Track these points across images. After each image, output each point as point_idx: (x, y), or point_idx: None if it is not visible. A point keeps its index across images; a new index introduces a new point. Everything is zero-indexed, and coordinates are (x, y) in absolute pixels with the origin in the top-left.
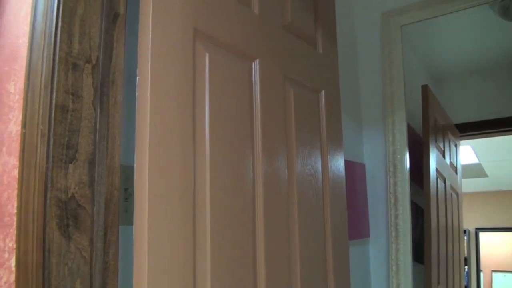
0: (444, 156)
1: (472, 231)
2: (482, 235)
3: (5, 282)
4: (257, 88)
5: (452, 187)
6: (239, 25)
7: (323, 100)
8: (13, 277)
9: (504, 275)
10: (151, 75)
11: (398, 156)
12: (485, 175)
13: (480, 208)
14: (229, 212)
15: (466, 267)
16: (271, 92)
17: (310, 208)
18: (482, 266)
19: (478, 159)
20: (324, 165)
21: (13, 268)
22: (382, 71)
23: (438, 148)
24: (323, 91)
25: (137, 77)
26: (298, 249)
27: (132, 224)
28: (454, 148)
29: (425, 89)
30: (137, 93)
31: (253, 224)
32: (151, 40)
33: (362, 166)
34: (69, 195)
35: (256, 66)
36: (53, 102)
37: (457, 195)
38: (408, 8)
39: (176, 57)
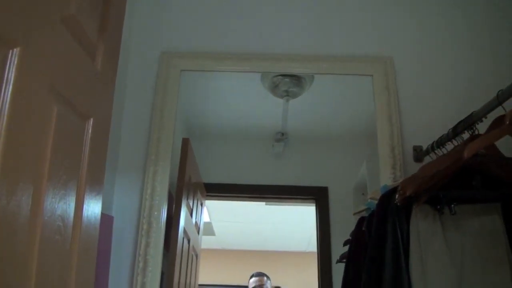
0: (191, 215)
1: None
2: None
3: None
4: (8, 90)
5: (194, 248)
6: None
7: (90, 130)
8: None
9: None
10: None
11: (155, 213)
12: (213, 234)
13: (208, 264)
14: None
15: None
16: (29, 104)
17: (53, 266)
18: None
19: (210, 218)
20: (78, 213)
21: None
22: (152, 114)
23: (188, 206)
24: (92, 119)
25: None
26: None
27: None
28: (200, 207)
29: (186, 142)
30: None
31: None
32: None
33: (110, 219)
34: None
35: (14, 56)
36: None
37: (197, 256)
38: (189, 54)
39: None
